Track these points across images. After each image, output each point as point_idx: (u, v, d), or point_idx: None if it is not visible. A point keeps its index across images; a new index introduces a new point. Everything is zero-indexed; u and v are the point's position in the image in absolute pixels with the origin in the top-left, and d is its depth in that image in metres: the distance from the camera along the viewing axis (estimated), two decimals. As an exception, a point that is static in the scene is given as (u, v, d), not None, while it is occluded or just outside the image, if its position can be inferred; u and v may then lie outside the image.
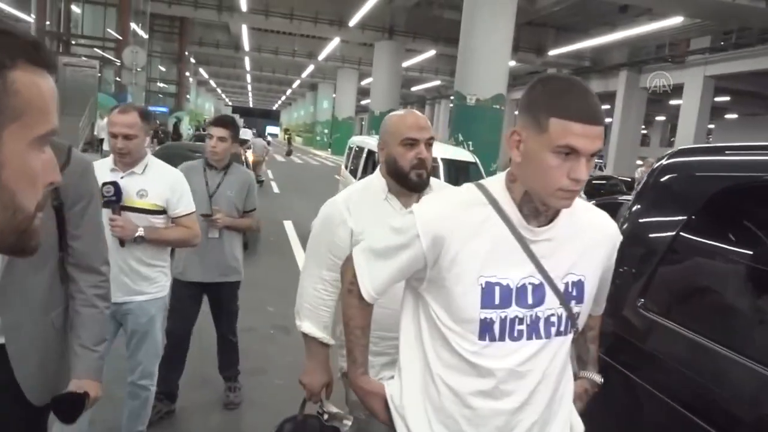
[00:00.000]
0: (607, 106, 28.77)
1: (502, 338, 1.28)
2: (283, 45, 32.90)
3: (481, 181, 1.35)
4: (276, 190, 16.36)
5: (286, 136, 42.88)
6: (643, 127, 33.32)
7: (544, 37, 24.59)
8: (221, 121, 3.48)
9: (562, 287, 1.30)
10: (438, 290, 1.31)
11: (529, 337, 1.29)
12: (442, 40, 24.29)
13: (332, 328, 1.96)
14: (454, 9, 20.08)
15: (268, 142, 22.89)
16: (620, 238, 1.41)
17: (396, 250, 1.34)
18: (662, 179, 1.88)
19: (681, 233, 1.69)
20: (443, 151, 8.04)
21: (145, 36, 23.07)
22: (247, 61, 38.57)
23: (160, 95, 30.95)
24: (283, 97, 69.65)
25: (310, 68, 38.80)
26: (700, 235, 1.70)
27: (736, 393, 1.47)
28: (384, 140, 1.91)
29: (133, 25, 20.18)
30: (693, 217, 1.69)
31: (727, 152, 1.78)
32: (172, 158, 9.53)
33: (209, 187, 3.43)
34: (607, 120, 31.71)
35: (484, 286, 1.26)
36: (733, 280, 1.65)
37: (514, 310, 1.27)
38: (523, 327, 1.28)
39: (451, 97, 16.22)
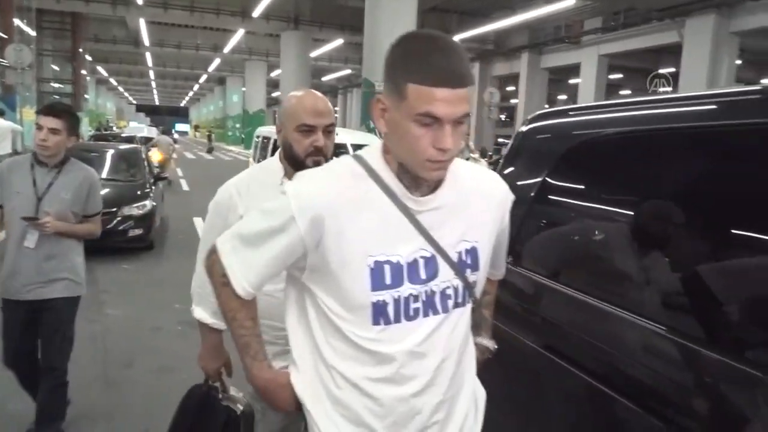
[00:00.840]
0: (513, 88, 29.79)
1: (398, 320, 1.19)
2: (186, 39, 31.77)
3: (359, 152, 1.24)
4: (186, 187, 15.88)
5: (207, 133, 41.81)
6: (547, 106, 34.78)
7: (449, 22, 25.04)
8: (52, 109, 2.88)
9: (455, 257, 1.23)
10: (322, 277, 1.20)
11: (426, 314, 1.21)
12: (348, 28, 24.26)
13: None
14: (357, -3, 20.13)
15: (175, 140, 22.12)
16: (511, 197, 1.36)
17: (269, 236, 1.19)
18: (524, 143, 2.02)
19: (540, 190, 1.82)
20: (352, 137, 8.19)
21: (32, 33, 21.62)
22: (148, 56, 36.99)
23: (55, 96, 29.11)
24: (191, 93, 67.41)
25: (217, 62, 37.74)
26: (555, 190, 1.83)
27: (596, 335, 1.61)
28: (281, 122, 1.80)
29: (17, 22, 18.86)
30: (549, 173, 1.82)
31: (570, 113, 1.93)
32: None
33: (37, 188, 2.88)
34: (513, 101, 32.88)
35: (372, 266, 1.17)
36: (588, 225, 1.79)
37: (407, 288, 1.19)
38: (419, 304, 1.20)
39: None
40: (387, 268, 1.17)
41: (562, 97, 39.40)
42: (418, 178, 1.17)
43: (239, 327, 1.30)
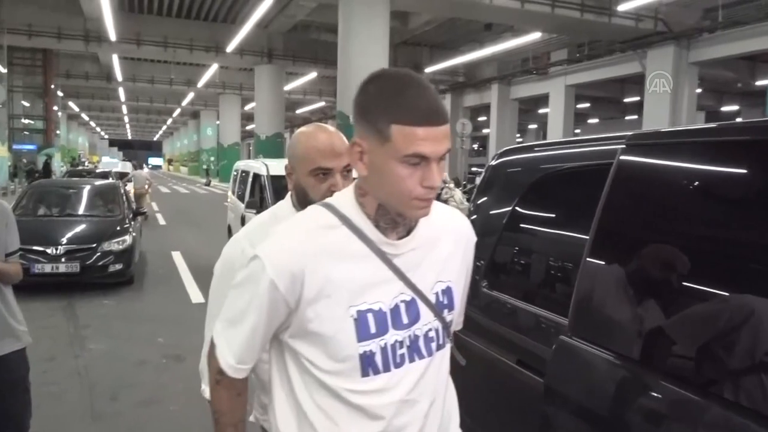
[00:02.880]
0: (484, 117, 30.42)
1: (387, 368, 1.16)
2: (159, 73, 31.89)
3: (328, 200, 1.21)
4: (162, 221, 15.82)
5: (204, 167, 42.04)
6: (519, 135, 35.52)
7: (419, 56, 25.66)
8: None
9: (433, 298, 1.21)
10: (306, 334, 1.16)
11: (412, 359, 1.19)
12: (321, 61, 24.66)
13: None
14: (330, 32, 20.54)
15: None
16: (474, 238, 1.36)
17: (250, 306, 1.15)
18: (494, 175, 2.21)
19: (510, 218, 2.01)
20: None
21: (4, 70, 21.56)
22: (121, 91, 36.95)
23: (26, 132, 28.87)
24: (164, 127, 67.22)
25: (190, 96, 37.85)
26: (524, 218, 2.03)
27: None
28: (291, 165, 1.60)
29: (-11, 60, 18.82)
30: (518, 203, 2.02)
31: (536, 149, 2.15)
32: (46, 196, 9.05)
33: None
34: (485, 130, 33.52)
35: (356, 316, 1.13)
36: (552, 249, 1.99)
37: (392, 335, 1.16)
38: (404, 350, 1.18)
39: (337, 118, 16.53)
40: (370, 316, 1.14)
41: (533, 126, 40.29)
42: (398, 218, 1.15)
43: (220, 431, 1.27)
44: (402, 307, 1.17)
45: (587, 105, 28.81)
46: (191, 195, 28.75)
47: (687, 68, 17.04)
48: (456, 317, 1.33)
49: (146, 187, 16.58)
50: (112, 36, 21.68)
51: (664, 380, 1.40)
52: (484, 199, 2.28)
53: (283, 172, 7.43)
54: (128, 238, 7.51)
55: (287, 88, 28.78)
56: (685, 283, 1.48)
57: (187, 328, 5.96)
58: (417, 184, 1.08)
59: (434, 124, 1.06)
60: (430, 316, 1.21)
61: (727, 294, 1.39)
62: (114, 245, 7.29)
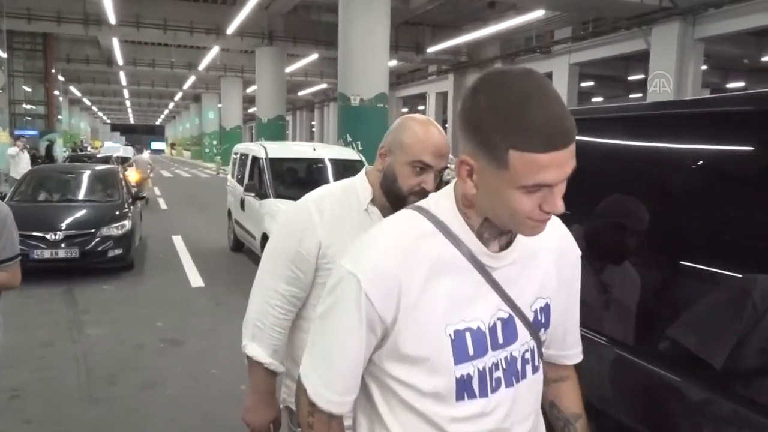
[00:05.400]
0: (487, 98, 30.17)
1: (483, 393, 1.05)
2: (160, 57, 31.64)
3: (422, 204, 1.09)
4: (164, 206, 15.80)
5: (215, 154, 41.73)
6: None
7: (422, 35, 25.34)
8: None
9: (531, 316, 1.10)
10: (396, 356, 1.04)
11: (509, 383, 1.08)
12: (322, 43, 24.39)
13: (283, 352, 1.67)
14: (331, 12, 20.28)
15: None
16: (579, 252, 1.22)
17: (342, 330, 1.03)
18: None
19: None
20: (330, 152, 8.33)
21: (4, 55, 21.43)
22: (122, 75, 36.74)
23: (27, 117, 28.75)
24: (167, 111, 66.95)
25: (192, 79, 37.62)
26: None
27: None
28: (390, 148, 1.54)
29: (-12, 44, 18.71)
30: None
31: None
32: (45, 181, 9.04)
33: None
34: (489, 111, 33.24)
35: (453, 336, 1.02)
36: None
37: (490, 357, 1.05)
38: (500, 373, 1.06)
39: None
40: (468, 336, 1.03)
41: (536, 105, 39.83)
42: (505, 230, 1.03)
43: None
44: (499, 325, 1.06)
45: (591, 83, 28.47)
46: (193, 179, 28.73)
47: (693, 45, 16.75)
48: (573, 347, 1.25)
49: (148, 171, 16.52)
50: (112, 19, 21.48)
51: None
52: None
53: (281, 155, 7.42)
54: (127, 223, 7.48)
55: (288, 70, 28.54)
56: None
57: (186, 312, 5.97)
58: (535, 208, 0.94)
59: (561, 147, 0.88)
60: (526, 335, 1.09)
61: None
62: (113, 230, 7.26)
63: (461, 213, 1.04)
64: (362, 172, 1.64)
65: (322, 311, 1.07)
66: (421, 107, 33.19)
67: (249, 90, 35.96)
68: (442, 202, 1.07)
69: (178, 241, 9.86)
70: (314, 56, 27.57)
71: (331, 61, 27.16)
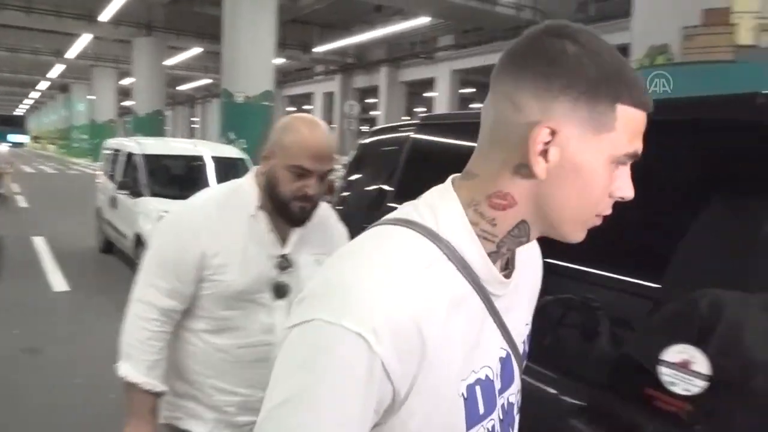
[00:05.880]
0: (374, 100, 30.65)
1: None
2: (23, 42, 29.08)
3: (418, 220, 0.76)
4: (24, 204, 14.52)
5: (99, 150, 38.12)
6: (408, 118, 36.11)
7: (309, 35, 25.26)
8: None
9: (521, 348, 0.88)
10: (398, 421, 0.73)
11: None
12: (207, 37, 23.55)
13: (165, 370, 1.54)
14: (215, 5, 19.63)
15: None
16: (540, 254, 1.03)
17: (334, 423, 0.66)
18: (364, 153, 2.21)
19: (379, 194, 2.00)
20: (211, 150, 8.10)
21: None
22: (-24, 60, 33.38)
23: None
24: (30, 101, 61.64)
25: (59, 67, 34.92)
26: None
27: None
28: (272, 150, 1.46)
29: None
30: (387, 176, 2.02)
31: (400, 129, 2.21)
32: None
33: None
34: (373, 113, 33.81)
35: (466, 395, 0.76)
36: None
37: (497, 411, 0.83)
38: (498, 427, 0.84)
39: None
40: (479, 390, 0.78)
41: (420, 109, 41.12)
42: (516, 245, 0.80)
43: None
44: (499, 368, 0.83)
45: (473, 90, 29.83)
46: (59, 175, 26.70)
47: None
48: None
49: (7, 167, 15.11)
50: (-36, -3, 19.44)
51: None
52: (358, 175, 2.25)
53: (158, 152, 7.10)
54: (-21, 222, 6.77)
55: (169, 63, 27.30)
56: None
57: (47, 318, 5.55)
58: (607, 194, 0.74)
59: (649, 110, 0.73)
60: (518, 374, 0.88)
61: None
62: (-38, 229, 6.54)
63: (472, 221, 0.76)
64: (251, 173, 1.56)
65: (287, 397, 0.67)
66: (307, 107, 33.06)
67: (124, 82, 33.97)
68: (441, 209, 0.77)
69: (39, 242, 9.10)
70: (197, 50, 26.59)
71: (215, 56, 26.30)
